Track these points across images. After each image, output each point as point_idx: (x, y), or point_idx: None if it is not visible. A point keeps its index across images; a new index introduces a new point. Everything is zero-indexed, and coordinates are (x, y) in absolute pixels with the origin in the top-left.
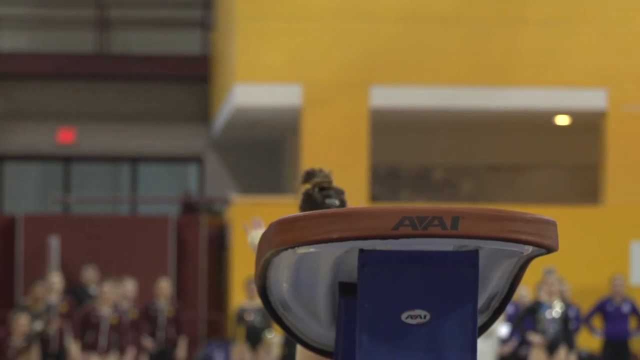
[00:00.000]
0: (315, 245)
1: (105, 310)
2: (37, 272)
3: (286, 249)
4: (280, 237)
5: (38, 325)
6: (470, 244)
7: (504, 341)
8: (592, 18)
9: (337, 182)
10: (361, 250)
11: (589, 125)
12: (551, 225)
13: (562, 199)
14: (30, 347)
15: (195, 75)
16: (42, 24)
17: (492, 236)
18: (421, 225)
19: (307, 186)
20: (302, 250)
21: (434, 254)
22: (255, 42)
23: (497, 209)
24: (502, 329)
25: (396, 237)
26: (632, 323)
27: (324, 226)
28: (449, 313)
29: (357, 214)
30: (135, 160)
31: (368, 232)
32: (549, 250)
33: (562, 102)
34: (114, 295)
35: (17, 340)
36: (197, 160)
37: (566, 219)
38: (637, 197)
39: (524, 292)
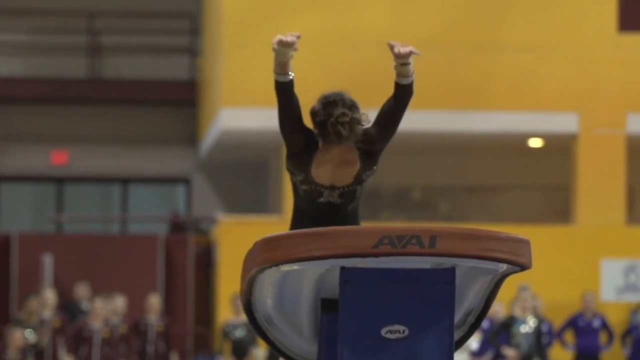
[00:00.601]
0: (299, 263)
1: (97, 325)
2: (32, 288)
3: (270, 266)
4: (265, 255)
5: (29, 334)
6: (447, 262)
7: (475, 354)
8: (564, 45)
9: None
10: (342, 268)
11: (561, 148)
12: (525, 243)
13: (535, 219)
14: None
15: (183, 100)
16: (36, 50)
17: (468, 254)
18: (400, 243)
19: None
20: (285, 267)
21: (413, 271)
22: (240, 67)
23: (472, 228)
24: (473, 342)
25: (376, 255)
26: (603, 337)
27: (307, 245)
28: (427, 328)
29: (339, 233)
30: (125, 181)
31: (349, 251)
32: (523, 267)
33: (536, 126)
34: (105, 311)
35: (12, 353)
36: (185, 181)
37: (539, 238)
38: (607, 217)
39: (499, 308)
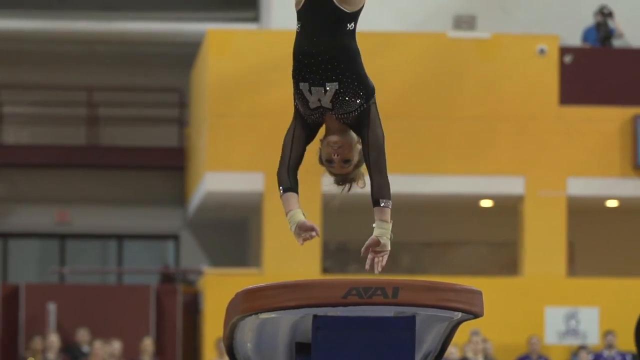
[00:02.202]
0: (276, 312)
1: None
2: (37, 333)
3: (250, 314)
4: (246, 304)
5: None
6: (408, 311)
7: None
8: (512, 116)
9: (293, 256)
10: (315, 316)
11: (509, 208)
12: (477, 294)
13: (486, 271)
14: None
15: (173, 165)
16: (41, 121)
17: (428, 304)
18: (366, 294)
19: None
20: (264, 315)
21: (377, 319)
22: (222, 136)
23: (431, 280)
24: None
25: (345, 305)
26: None
27: (283, 295)
28: None
29: (311, 285)
30: (121, 238)
31: (321, 301)
32: (476, 315)
33: (486, 188)
34: (104, 352)
35: None
36: (174, 237)
37: (490, 288)
38: (550, 269)
39: (453, 350)
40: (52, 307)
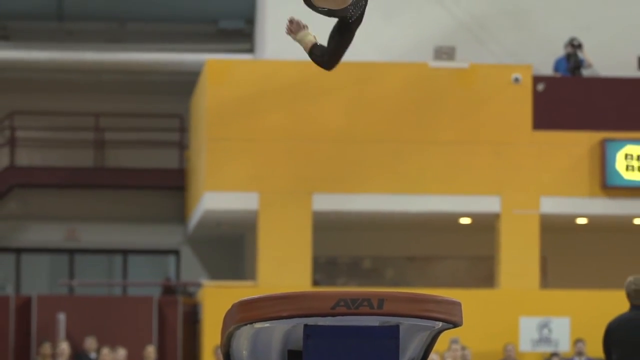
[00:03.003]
0: (269, 322)
1: None
2: (48, 341)
3: (246, 324)
4: (241, 315)
5: None
6: (393, 321)
7: None
8: (488, 140)
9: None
10: (306, 325)
11: (486, 225)
12: (457, 305)
13: (465, 284)
14: None
15: (174, 185)
16: (51, 144)
17: (411, 314)
18: (354, 305)
19: None
20: (258, 325)
21: (364, 328)
22: (220, 158)
23: (414, 292)
24: None
25: (334, 315)
26: None
27: (276, 306)
28: None
29: (303, 296)
30: (125, 253)
31: (311, 311)
32: (455, 325)
33: (465, 207)
34: (110, 358)
35: None
36: (175, 252)
37: (468, 300)
38: (524, 282)
39: (434, 357)
40: (61, 317)
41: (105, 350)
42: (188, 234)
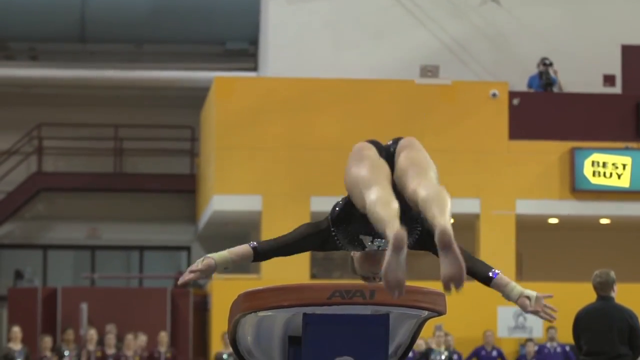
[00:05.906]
0: (272, 310)
1: (129, 353)
2: (71, 328)
3: (250, 312)
4: (246, 304)
5: (67, 354)
6: (383, 310)
7: None
8: (469, 149)
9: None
10: (305, 314)
11: (466, 225)
12: (441, 296)
13: None
14: None
15: (186, 189)
16: (75, 152)
17: (399, 304)
18: (348, 296)
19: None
20: (262, 313)
21: (357, 316)
22: (227, 165)
23: None
24: None
25: (330, 305)
26: None
27: (278, 297)
28: (368, 358)
29: (302, 288)
30: (142, 249)
31: (309, 301)
32: (440, 313)
33: None
34: (134, 344)
35: None
36: (187, 248)
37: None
38: None
39: (420, 342)
40: (84, 307)
41: (130, 336)
42: (198, 232)
